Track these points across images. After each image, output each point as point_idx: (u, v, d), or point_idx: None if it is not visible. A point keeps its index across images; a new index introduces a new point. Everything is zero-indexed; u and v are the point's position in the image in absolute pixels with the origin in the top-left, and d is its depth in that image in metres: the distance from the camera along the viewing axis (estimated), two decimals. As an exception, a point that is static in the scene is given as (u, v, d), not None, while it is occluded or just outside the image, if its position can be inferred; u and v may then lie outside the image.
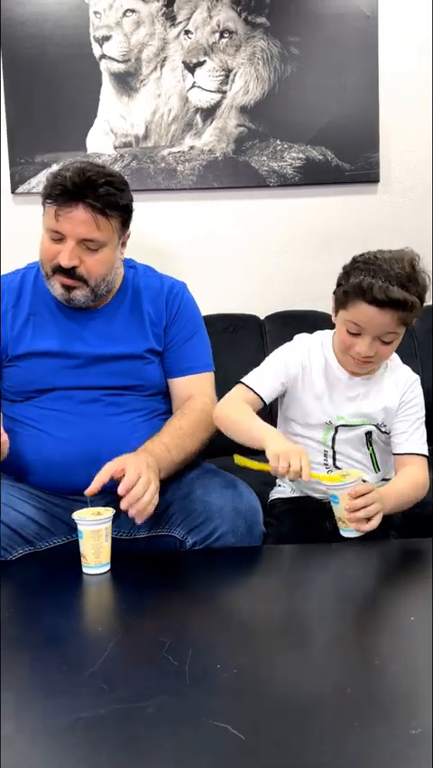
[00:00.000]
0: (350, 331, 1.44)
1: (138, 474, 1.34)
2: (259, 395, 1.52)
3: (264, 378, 1.55)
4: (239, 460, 1.44)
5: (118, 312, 1.62)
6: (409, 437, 1.54)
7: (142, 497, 1.33)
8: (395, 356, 1.61)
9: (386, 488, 1.47)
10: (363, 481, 1.42)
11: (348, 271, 1.45)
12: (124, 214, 1.56)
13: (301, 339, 1.62)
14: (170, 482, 1.51)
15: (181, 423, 1.55)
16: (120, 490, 1.32)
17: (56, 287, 1.56)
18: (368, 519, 1.34)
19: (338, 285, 1.48)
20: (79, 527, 1.30)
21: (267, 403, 1.55)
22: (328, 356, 1.56)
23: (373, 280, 1.37)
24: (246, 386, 1.54)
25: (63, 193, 1.47)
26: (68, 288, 1.55)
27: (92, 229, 1.50)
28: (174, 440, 1.51)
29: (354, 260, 1.47)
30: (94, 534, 1.29)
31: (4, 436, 1.40)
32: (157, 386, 1.63)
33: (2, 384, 1.62)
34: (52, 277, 1.55)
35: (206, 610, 1.17)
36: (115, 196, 1.51)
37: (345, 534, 1.37)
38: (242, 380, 1.55)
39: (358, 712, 0.85)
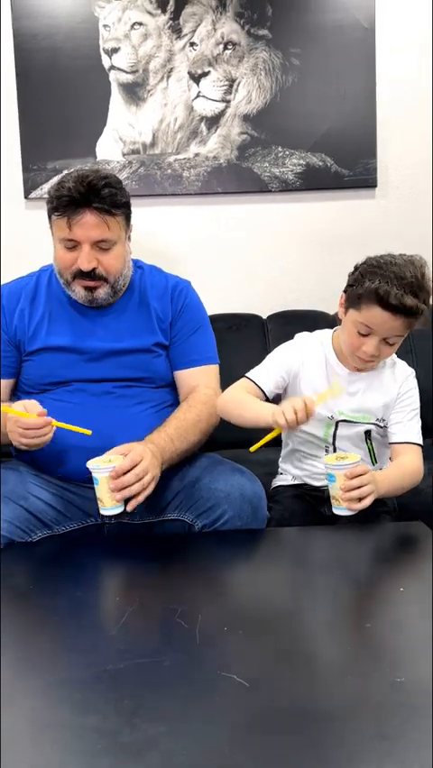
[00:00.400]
0: (360, 332, 1.51)
1: (133, 462, 1.43)
2: (261, 388, 1.60)
3: (267, 372, 1.63)
4: (253, 448, 1.49)
5: (127, 309, 1.72)
6: (404, 427, 1.61)
7: (131, 485, 1.42)
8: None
9: (380, 473, 1.55)
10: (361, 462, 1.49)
11: (363, 273, 1.50)
12: (126, 211, 1.66)
13: (302, 337, 1.70)
14: (180, 470, 1.61)
15: (186, 415, 1.64)
16: (111, 473, 1.42)
17: (78, 291, 1.65)
18: (360, 499, 1.43)
19: (351, 285, 1.54)
20: (94, 474, 1.43)
21: (269, 397, 1.62)
22: (328, 354, 1.64)
23: (388, 288, 1.44)
24: (249, 379, 1.62)
25: (70, 203, 1.57)
26: (90, 290, 1.65)
27: (103, 230, 1.60)
28: (178, 431, 1.60)
29: (369, 263, 1.52)
30: (108, 479, 1.42)
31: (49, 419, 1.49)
32: (164, 378, 1.73)
33: (20, 378, 1.73)
34: (73, 282, 1.65)
35: (214, 584, 1.28)
36: (117, 196, 1.61)
37: (337, 511, 1.44)
38: (246, 375, 1.64)
39: (349, 666, 0.96)
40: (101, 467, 1.42)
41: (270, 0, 2.42)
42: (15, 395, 1.74)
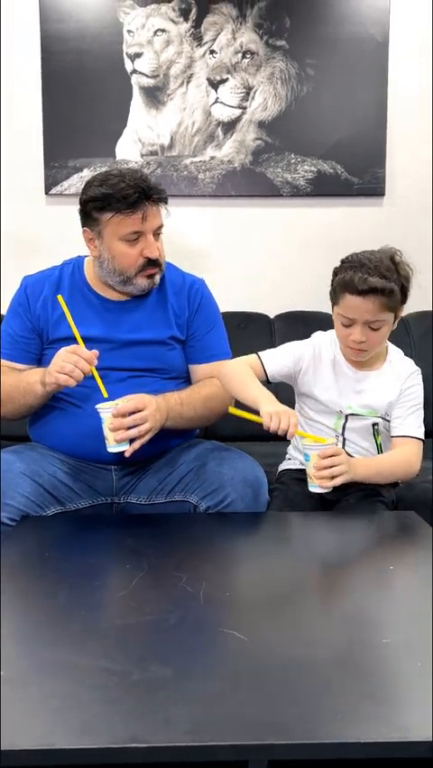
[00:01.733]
0: (344, 324, 1.61)
1: (136, 408, 1.56)
2: (265, 369, 1.68)
3: (276, 358, 1.71)
4: (233, 410, 1.56)
5: (146, 303, 1.79)
6: (404, 422, 1.68)
7: (128, 428, 1.55)
8: (397, 351, 1.76)
9: (362, 459, 1.64)
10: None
11: (336, 271, 1.64)
12: (166, 200, 1.75)
13: (316, 335, 1.77)
14: (188, 455, 1.70)
15: (201, 389, 1.74)
16: (114, 412, 1.54)
17: (140, 282, 1.71)
18: (332, 478, 1.52)
19: (330, 285, 1.66)
20: (101, 414, 1.53)
21: (269, 380, 1.70)
22: (337, 353, 1.71)
23: (354, 273, 1.56)
24: (259, 358, 1.70)
25: (140, 197, 1.64)
26: (151, 277, 1.73)
27: (160, 219, 1.72)
28: (189, 398, 1.71)
29: (342, 260, 1.66)
30: (111, 418, 1.52)
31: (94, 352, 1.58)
32: (177, 370, 1.80)
33: (43, 365, 1.80)
34: (135, 277, 1.71)
35: (217, 557, 1.37)
36: (161, 188, 1.71)
37: (311, 488, 1.55)
38: (258, 353, 1.72)
39: (340, 627, 1.05)
40: (106, 407, 1.54)
41: (288, 12, 2.52)
42: None
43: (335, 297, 1.63)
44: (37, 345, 1.78)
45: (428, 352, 2.43)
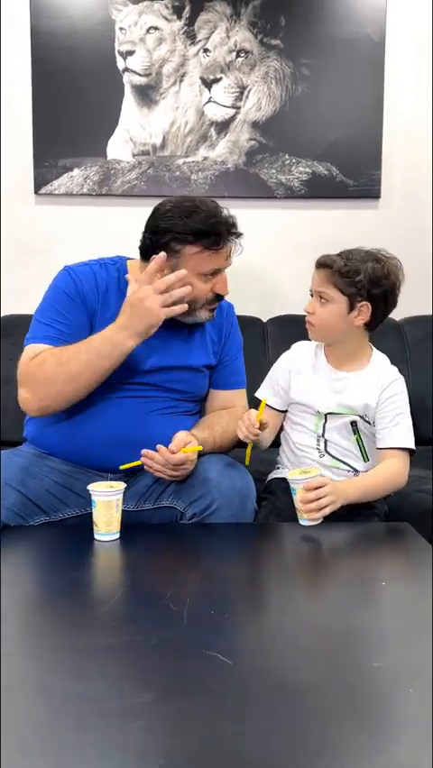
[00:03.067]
0: (311, 294, 1.72)
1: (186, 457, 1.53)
2: (271, 406, 1.77)
3: (269, 388, 1.80)
4: (247, 461, 1.65)
5: (185, 326, 1.73)
6: (389, 432, 1.66)
7: (175, 471, 1.52)
8: (382, 356, 1.77)
9: (347, 481, 1.64)
10: (322, 476, 1.57)
11: None
12: None
13: (295, 345, 1.84)
14: None
15: (230, 426, 1.68)
16: (171, 446, 1.52)
17: (202, 315, 1.69)
18: (321, 509, 1.50)
19: None
20: (93, 497, 1.45)
21: (280, 409, 1.79)
22: (319, 355, 1.77)
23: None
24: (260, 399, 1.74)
25: (227, 233, 1.63)
26: (213, 310, 1.71)
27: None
28: (222, 438, 1.68)
29: None
30: (106, 504, 1.44)
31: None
32: (198, 394, 1.78)
33: None
34: (200, 309, 1.68)
35: (203, 572, 1.32)
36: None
37: (301, 522, 1.51)
38: (256, 395, 1.80)
39: (329, 648, 1.00)
40: (99, 490, 1.44)
41: (283, 11, 2.48)
42: None
43: None
44: (88, 335, 1.63)
45: (426, 357, 2.39)
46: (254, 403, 1.76)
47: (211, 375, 1.81)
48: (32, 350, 1.62)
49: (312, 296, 1.71)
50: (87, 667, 0.94)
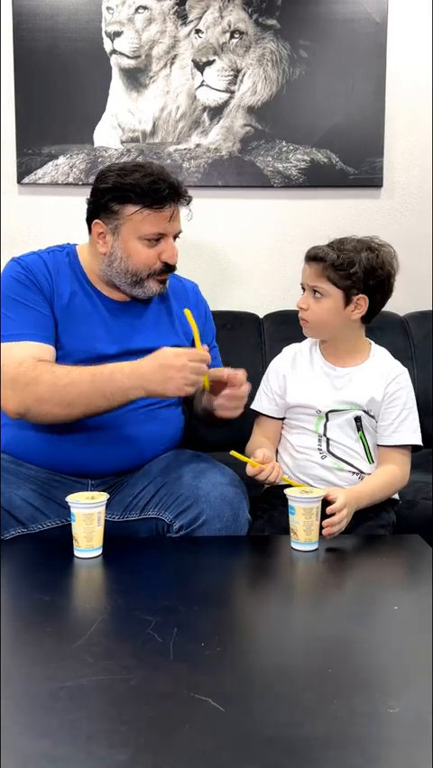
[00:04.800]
0: (302, 289, 1.64)
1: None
2: (269, 415, 1.69)
3: (265, 397, 1.70)
4: (234, 454, 1.49)
5: (149, 307, 1.66)
6: (396, 429, 1.60)
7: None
8: (383, 350, 1.70)
9: (356, 489, 1.53)
10: (324, 500, 1.42)
11: None
12: None
13: (286, 349, 1.76)
14: (164, 466, 1.54)
15: None
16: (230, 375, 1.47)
17: (152, 286, 1.59)
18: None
19: None
20: (73, 510, 1.31)
21: (278, 416, 1.69)
22: (315, 353, 1.68)
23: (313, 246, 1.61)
24: (256, 412, 1.71)
25: (169, 195, 1.53)
26: (163, 282, 1.61)
27: (180, 222, 1.60)
28: None
29: None
30: (87, 517, 1.30)
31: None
32: None
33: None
34: (147, 280, 1.58)
35: (192, 595, 1.18)
36: (187, 190, 1.60)
37: (294, 545, 1.36)
38: (251, 407, 1.70)
39: (337, 691, 0.86)
40: (80, 502, 1.31)
41: (280, -11, 2.34)
42: None
43: None
44: (53, 324, 1.57)
45: (430, 354, 2.27)
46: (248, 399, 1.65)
47: None
48: (15, 350, 1.51)
49: (304, 290, 1.63)
50: (52, 718, 0.80)
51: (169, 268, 1.59)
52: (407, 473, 1.61)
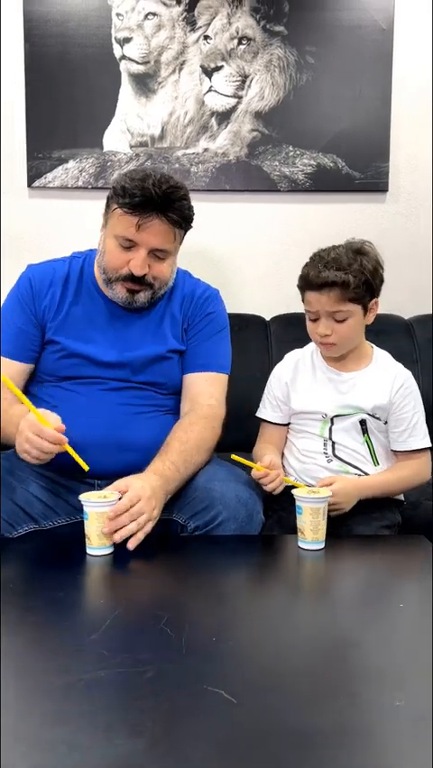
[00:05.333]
0: (310, 319, 1.62)
1: (131, 503, 1.34)
2: (273, 422, 1.72)
3: (268, 406, 1.73)
4: (235, 457, 1.53)
5: (152, 312, 1.67)
6: (409, 436, 1.62)
7: (126, 524, 1.33)
8: (385, 354, 1.72)
9: (367, 478, 1.59)
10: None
11: (302, 269, 1.64)
12: (189, 226, 1.64)
13: (288, 356, 1.78)
14: None
15: (188, 435, 1.55)
16: (109, 514, 1.33)
17: (119, 292, 1.60)
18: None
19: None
20: (85, 509, 1.34)
21: (283, 423, 1.72)
22: (316, 359, 1.70)
23: (309, 269, 1.58)
24: (261, 420, 1.74)
25: (145, 203, 1.51)
26: (132, 293, 1.60)
27: (166, 240, 1.57)
28: (183, 456, 1.50)
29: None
30: (99, 515, 1.33)
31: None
32: (173, 386, 1.68)
33: (37, 366, 1.67)
34: (116, 283, 1.60)
35: (205, 591, 1.21)
36: (188, 210, 1.60)
37: (301, 544, 1.39)
38: (256, 415, 1.75)
39: (345, 684, 0.89)
40: (92, 501, 1.34)
41: (287, -4, 2.37)
42: (29, 384, 1.69)
43: (301, 294, 1.64)
44: (38, 342, 1.65)
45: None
46: (253, 403, 1.71)
47: (182, 360, 1.71)
48: None
49: (315, 319, 1.60)
50: (72, 707, 0.83)
51: (135, 278, 1.57)
52: (426, 471, 1.64)
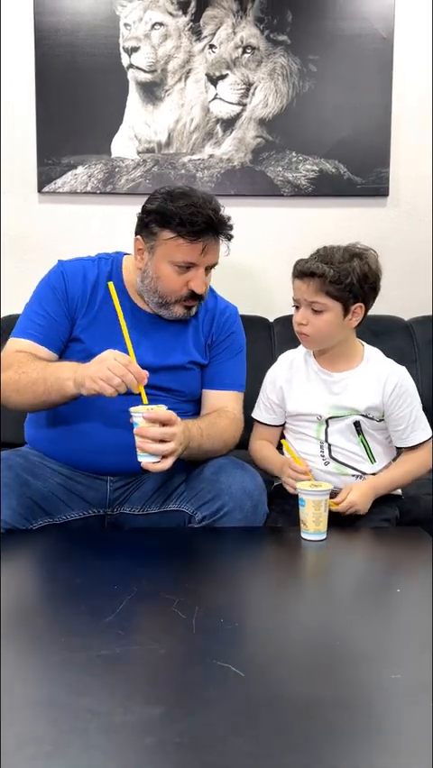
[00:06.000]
0: (293, 305, 1.67)
1: (170, 420, 1.42)
2: (270, 424, 1.77)
3: (264, 408, 1.78)
4: (285, 443, 1.69)
5: (177, 323, 1.71)
6: (413, 429, 1.67)
7: (156, 438, 1.41)
8: (376, 352, 1.75)
9: (376, 479, 1.64)
10: (333, 493, 1.54)
11: None
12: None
13: (282, 356, 1.82)
14: (182, 462, 1.60)
15: (217, 420, 1.64)
16: (145, 415, 1.40)
17: (177, 310, 1.64)
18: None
19: None
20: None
21: (279, 424, 1.77)
22: (309, 360, 1.73)
23: (303, 259, 1.65)
24: (257, 422, 1.79)
25: (206, 229, 1.56)
26: (189, 308, 1.65)
27: (218, 255, 1.64)
28: (208, 429, 1.59)
29: None
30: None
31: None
32: (193, 393, 1.73)
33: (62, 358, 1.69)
34: (174, 304, 1.63)
35: (212, 578, 1.28)
36: (230, 224, 1.63)
37: (304, 535, 1.45)
38: (252, 416, 1.79)
39: (345, 660, 0.96)
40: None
41: (290, 6, 2.44)
42: None
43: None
44: (66, 332, 1.66)
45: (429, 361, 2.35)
46: (250, 405, 1.77)
47: (202, 374, 1.75)
48: (12, 344, 1.64)
49: (297, 306, 1.65)
50: (93, 679, 0.90)
51: (195, 295, 1.62)
52: (425, 461, 1.69)
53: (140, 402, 1.45)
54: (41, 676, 0.91)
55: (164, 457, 1.43)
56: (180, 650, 0.97)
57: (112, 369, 1.40)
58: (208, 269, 1.64)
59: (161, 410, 1.44)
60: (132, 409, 1.43)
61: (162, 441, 1.42)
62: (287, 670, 0.94)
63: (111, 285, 1.51)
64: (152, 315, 1.69)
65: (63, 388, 1.48)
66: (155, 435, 1.42)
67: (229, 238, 1.64)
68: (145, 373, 1.43)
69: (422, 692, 0.88)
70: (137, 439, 1.43)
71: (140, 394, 1.45)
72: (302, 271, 1.61)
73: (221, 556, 1.39)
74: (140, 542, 1.40)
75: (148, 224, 1.61)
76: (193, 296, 1.62)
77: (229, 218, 1.63)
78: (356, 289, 1.60)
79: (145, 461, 1.43)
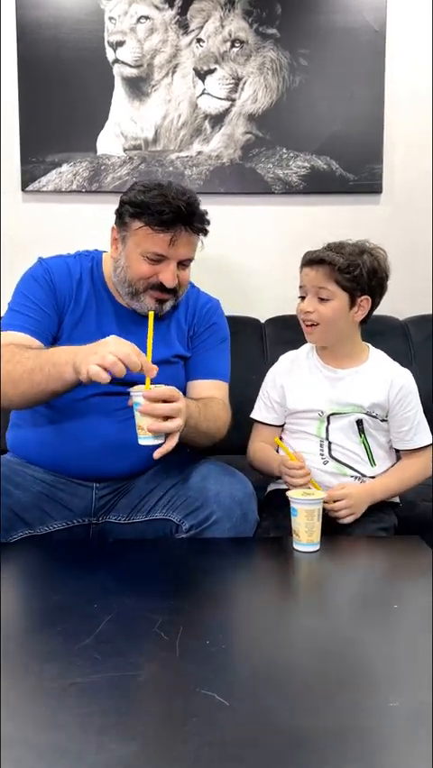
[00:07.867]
0: (299, 296, 1.66)
1: (173, 397, 1.37)
2: (270, 424, 1.74)
3: (264, 408, 1.75)
4: (277, 440, 1.64)
5: (159, 319, 1.66)
6: (416, 432, 1.65)
7: (164, 413, 1.36)
8: (382, 354, 1.73)
9: (373, 485, 1.61)
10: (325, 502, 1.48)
11: None
12: (207, 232, 1.64)
13: (283, 357, 1.80)
14: (170, 469, 1.56)
15: (211, 404, 1.61)
16: (145, 394, 1.35)
17: (147, 302, 1.60)
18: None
19: None
20: (134, 398, 1.37)
21: (279, 424, 1.74)
22: (312, 358, 1.72)
23: (308, 251, 1.66)
24: (257, 421, 1.76)
25: (174, 219, 1.52)
26: (160, 302, 1.61)
27: (192, 250, 1.60)
28: (205, 411, 1.55)
29: None
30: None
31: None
32: (177, 388, 1.65)
33: None
34: (144, 293, 1.59)
35: (198, 594, 1.21)
36: (206, 217, 1.60)
37: (296, 546, 1.39)
38: (252, 417, 1.77)
39: (339, 686, 0.89)
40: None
41: (279, -1, 2.38)
42: None
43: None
44: (55, 327, 1.61)
45: (430, 357, 2.29)
46: (248, 405, 1.72)
47: (186, 366, 1.72)
48: (4, 337, 1.56)
49: (303, 295, 1.64)
50: (65, 711, 0.83)
51: (165, 288, 1.58)
52: (429, 467, 1.66)
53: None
54: (6, 709, 0.83)
55: (167, 437, 1.38)
56: (161, 677, 0.90)
57: (118, 354, 1.32)
58: (183, 265, 1.60)
59: (162, 387, 1.39)
60: (132, 389, 1.39)
61: (167, 419, 1.37)
62: (276, 698, 0.87)
63: (151, 314, 1.45)
64: (133, 311, 1.66)
65: (63, 375, 1.39)
66: (164, 411, 1.36)
67: (203, 232, 1.60)
68: (153, 369, 1.38)
69: (422, 722, 0.80)
70: (140, 420, 1.37)
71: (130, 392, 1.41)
72: (312, 259, 1.62)
73: (208, 570, 1.31)
74: (124, 554, 1.33)
75: (122, 215, 1.60)
76: (162, 288, 1.58)
77: (205, 213, 1.59)
78: (364, 281, 1.60)
79: (148, 442, 1.38)
